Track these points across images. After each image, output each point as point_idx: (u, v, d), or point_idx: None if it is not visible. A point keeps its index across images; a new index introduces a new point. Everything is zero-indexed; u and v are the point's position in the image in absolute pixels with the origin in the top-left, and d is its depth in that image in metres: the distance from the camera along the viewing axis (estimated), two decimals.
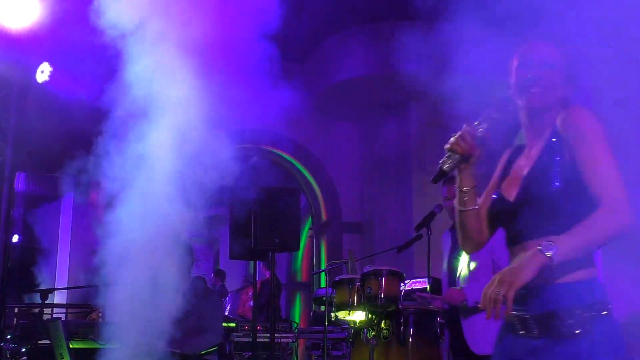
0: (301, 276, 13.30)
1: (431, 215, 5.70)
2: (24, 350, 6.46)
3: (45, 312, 8.45)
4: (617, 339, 2.27)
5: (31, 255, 10.48)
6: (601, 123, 2.32)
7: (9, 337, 6.76)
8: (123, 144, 4.26)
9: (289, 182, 12.16)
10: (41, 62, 6.56)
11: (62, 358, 5.01)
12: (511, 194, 2.43)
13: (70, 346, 5.15)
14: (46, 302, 7.71)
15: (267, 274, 9.67)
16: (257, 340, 7.02)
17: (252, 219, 6.41)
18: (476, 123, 2.42)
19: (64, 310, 9.31)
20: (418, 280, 6.96)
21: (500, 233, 2.60)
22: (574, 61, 2.48)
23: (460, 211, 2.56)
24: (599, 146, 2.27)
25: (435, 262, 5.93)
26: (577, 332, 2.23)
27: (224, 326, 7.03)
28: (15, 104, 6.04)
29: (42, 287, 10.21)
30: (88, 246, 4.54)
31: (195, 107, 4.43)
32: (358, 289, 5.13)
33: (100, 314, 8.96)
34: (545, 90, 2.42)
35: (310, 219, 13.21)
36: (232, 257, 6.95)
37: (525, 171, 2.43)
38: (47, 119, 6.88)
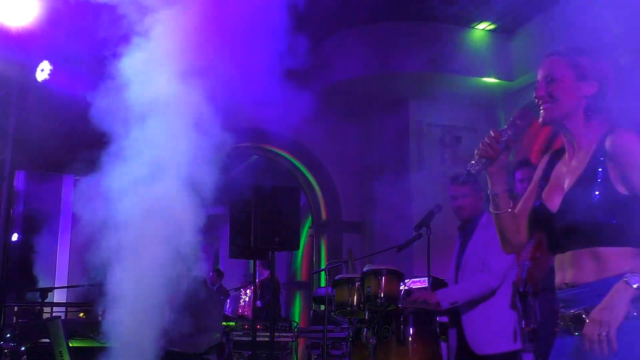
0: (301, 275, 13.30)
1: (430, 215, 5.69)
2: (23, 349, 6.45)
3: (45, 311, 8.43)
4: None
5: (30, 254, 10.45)
6: None
7: (8, 335, 6.74)
8: (124, 142, 4.25)
9: (289, 181, 12.15)
10: (41, 61, 6.55)
11: (62, 357, 5.00)
12: (554, 204, 2.53)
13: (70, 345, 5.14)
14: (46, 300, 7.70)
15: (265, 273, 9.65)
16: (257, 339, 7.01)
17: (252, 218, 6.40)
18: (503, 129, 2.54)
19: (63, 308, 9.29)
20: (418, 279, 6.94)
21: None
22: (590, 67, 2.53)
23: (496, 215, 2.69)
24: None
25: (435, 262, 5.93)
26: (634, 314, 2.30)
27: (224, 325, 7.02)
28: (15, 103, 6.03)
29: (41, 285, 10.20)
30: (88, 244, 4.52)
31: (194, 106, 4.42)
32: (358, 289, 5.12)
33: (96, 313, 8.97)
34: (553, 105, 2.53)
35: (310, 218, 13.20)
36: (232, 256, 6.95)
37: (567, 182, 2.53)
38: (47, 118, 6.87)
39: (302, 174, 12.48)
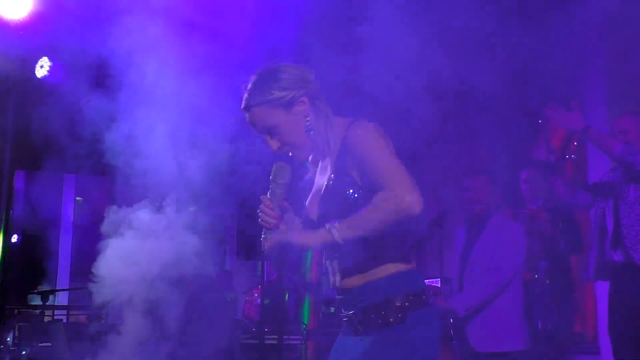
0: (310, 277, 13.20)
1: (442, 216, 5.65)
2: (24, 353, 6.36)
3: (46, 314, 8.32)
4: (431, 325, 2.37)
5: (31, 256, 10.38)
6: None
7: (9, 339, 6.64)
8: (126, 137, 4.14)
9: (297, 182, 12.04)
10: (40, 57, 6.43)
11: None
12: (314, 211, 2.52)
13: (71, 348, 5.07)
14: (47, 303, 7.60)
15: (275, 275, 9.58)
16: (265, 342, 6.88)
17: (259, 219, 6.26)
18: (270, 193, 2.46)
19: (65, 311, 9.19)
20: (430, 280, 6.82)
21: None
22: (286, 90, 2.46)
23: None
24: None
25: (449, 262, 5.82)
26: (391, 320, 2.32)
27: (231, 328, 6.90)
28: (13, 100, 5.90)
29: (42, 288, 10.12)
30: (90, 247, 4.43)
31: (197, 102, 4.33)
32: None
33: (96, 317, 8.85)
34: (295, 149, 2.52)
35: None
36: (239, 257, 6.82)
37: (322, 188, 2.50)
38: (47, 116, 6.73)
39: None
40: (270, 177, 2.47)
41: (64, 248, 11.08)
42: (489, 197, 5.04)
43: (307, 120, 2.47)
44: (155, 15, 4.53)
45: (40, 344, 6.12)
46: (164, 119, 4.35)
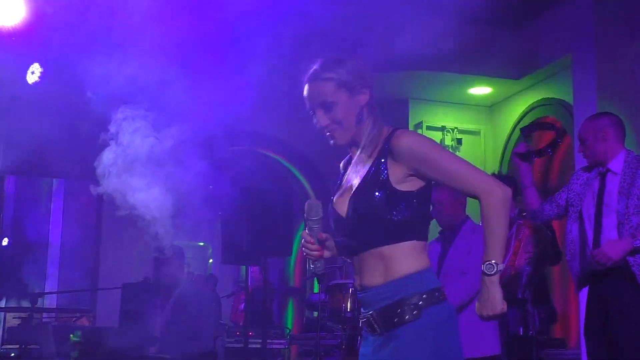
0: (294, 281, 13.22)
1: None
2: (13, 355, 6.40)
3: (35, 317, 8.36)
4: (448, 322, 2.51)
5: (20, 259, 10.39)
6: None
7: None
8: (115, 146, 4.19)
9: (282, 186, 12.06)
10: (31, 63, 6.47)
11: None
12: (343, 208, 2.62)
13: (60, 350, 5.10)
14: (36, 306, 7.63)
15: (259, 279, 9.60)
16: (249, 346, 6.94)
17: (244, 223, 6.33)
18: (307, 231, 2.61)
19: (54, 314, 9.22)
20: None
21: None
22: (354, 76, 2.61)
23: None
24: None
25: None
26: (407, 317, 2.44)
27: (216, 332, 6.95)
28: (4, 106, 5.97)
29: (31, 290, 10.13)
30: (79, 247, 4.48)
31: (182, 107, 4.37)
32: (351, 295, 5.07)
33: (90, 318, 8.90)
34: (341, 129, 2.62)
35: (303, 224, 13.08)
36: (224, 262, 6.88)
37: (354, 185, 2.62)
38: (37, 121, 6.80)
39: (296, 178, 12.42)
40: (305, 216, 2.60)
41: (53, 251, 11.11)
42: (455, 208, 5.15)
43: (361, 111, 2.59)
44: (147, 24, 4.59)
45: (29, 346, 6.15)
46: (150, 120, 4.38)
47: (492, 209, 2.43)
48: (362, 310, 2.61)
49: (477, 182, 2.47)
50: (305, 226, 2.63)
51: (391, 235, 2.49)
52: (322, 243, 2.63)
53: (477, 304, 2.50)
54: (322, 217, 2.61)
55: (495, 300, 2.43)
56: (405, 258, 2.49)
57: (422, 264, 2.52)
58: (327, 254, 2.67)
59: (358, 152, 2.65)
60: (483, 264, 2.44)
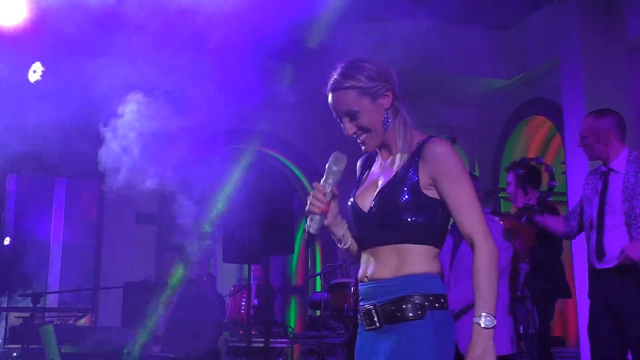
0: (296, 280, 13.22)
1: None
2: (15, 355, 6.40)
3: (37, 316, 8.36)
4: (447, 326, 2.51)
5: (22, 258, 10.39)
6: None
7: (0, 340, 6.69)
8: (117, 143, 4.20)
9: (283, 185, 12.07)
10: (33, 62, 6.48)
11: None
12: (365, 203, 2.63)
13: (62, 351, 5.09)
14: (38, 305, 7.63)
15: (261, 278, 9.59)
16: (252, 345, 6.94)
17: (245, 221, 6.32)
18: (322, 181, 2.59)
19: (56, 313, 9.22)
20: None
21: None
22: (376, 80, 2.60)
23: (345, 249, 2.79)
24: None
25: None
26: (410, 315, 2.46)
27: (218, 331, 6.95)
28: (6, 105, 5.96)
29: (33, 290, 10.12)
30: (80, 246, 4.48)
31: (182, 107, 4.38)
32: (353, 293, 5.06)
33: (92, 318, 8.90)
34: (369, 135, 2.63)
35: (304, 222, 13.03)
36: (225, 261, 6.87)
37: (381, 182, 2.63)
38: (39, 119, 6.80)
39: (297, 177, 12.41)
40: (327, 165, 2.59)
41: (55, 250, 11.11)
42: None
43: (386, 114, 2.62)
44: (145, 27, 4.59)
45: (31, 346, 6.15)
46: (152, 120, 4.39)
47: (482, 267, 2.47)
48: (361, 303, 2.61)
49: (475, 229, 2.51)
50: (324, 176, 2.60)
51: (410, 236, 2.52)
52: (333, 199, 2.61)
53: (467, 352, 2.45)
54: (342, 172, 2.59)
55: (486, 353, 2.41)
56: (418, 259, 2.52)
57: (433, 268, 2.55)
58: (329, 216, 2.64)
59: (388, 155, 2.67)
60: (479, 317, 2.43)
